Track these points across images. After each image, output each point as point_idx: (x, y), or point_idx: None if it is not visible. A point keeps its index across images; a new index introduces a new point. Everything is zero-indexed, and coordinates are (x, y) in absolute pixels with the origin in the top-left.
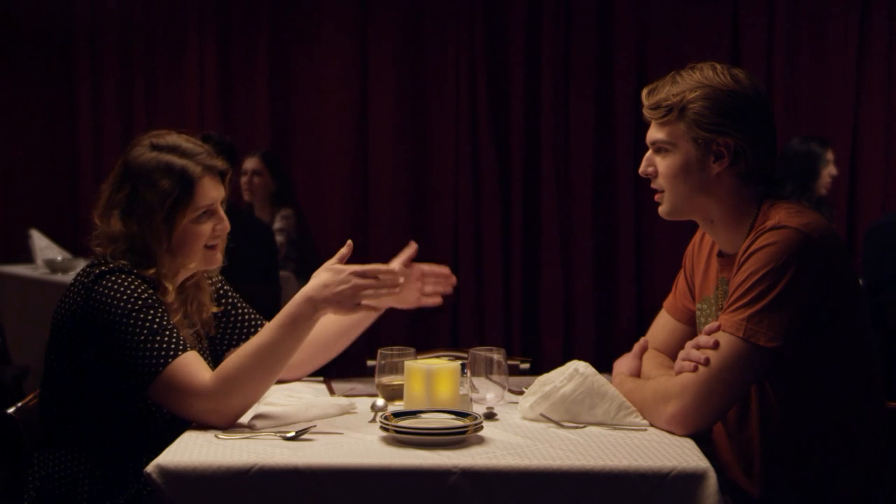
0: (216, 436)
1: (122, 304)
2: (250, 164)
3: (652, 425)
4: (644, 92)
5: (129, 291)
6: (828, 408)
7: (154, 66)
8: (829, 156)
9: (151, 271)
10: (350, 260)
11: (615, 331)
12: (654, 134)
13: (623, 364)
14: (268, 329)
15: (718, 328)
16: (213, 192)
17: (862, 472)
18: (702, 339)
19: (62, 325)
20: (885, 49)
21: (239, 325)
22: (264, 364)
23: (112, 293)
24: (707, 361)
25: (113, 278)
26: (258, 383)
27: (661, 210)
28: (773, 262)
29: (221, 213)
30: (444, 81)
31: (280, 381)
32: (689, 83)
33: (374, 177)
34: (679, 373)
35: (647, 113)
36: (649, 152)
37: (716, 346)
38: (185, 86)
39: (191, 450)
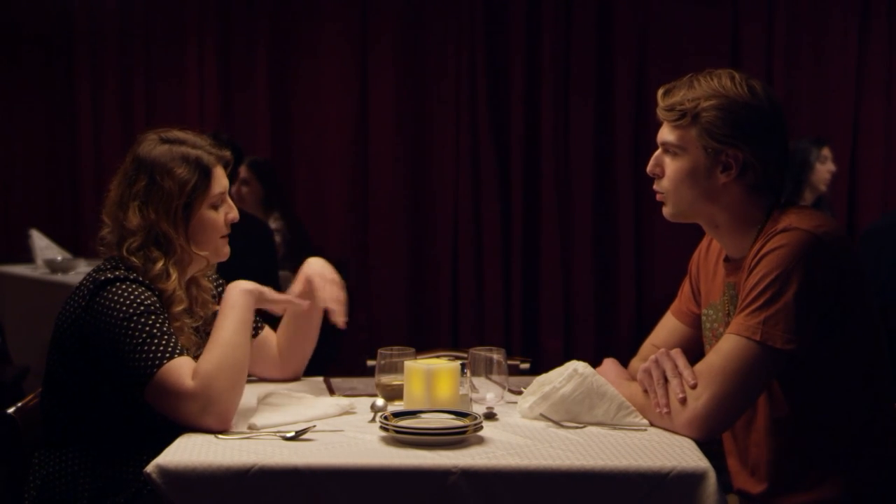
0: (216, 436)
1: (122, 309)
2: (239, 173)
3: (665, 428)
4: (660, 91)
5: (130, 298)
6: (836, 409)
7: (154, 66)
8: (826, 152)
9: (160, 264)
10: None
11: (615, 331)
12: (666, 135)
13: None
14: (228, 325)
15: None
16: (223, 181)
17: (870, 474)
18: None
19: (64, 328)
20: (885, 49)
21: None
22: (235, 358)
23: (114, 300)
24: (684, 401)
25: (116, 287)
26: (237, 380)
27: (666, 212)
28: (785, 264)
29: (230, 201)
30: (444, 81)
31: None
32: (706, 90)
33: (374, 177)
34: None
35: (660, 113)
36: (658, 151)
37: (694, 388)
38: (185, 86)
39: (191, 450)
